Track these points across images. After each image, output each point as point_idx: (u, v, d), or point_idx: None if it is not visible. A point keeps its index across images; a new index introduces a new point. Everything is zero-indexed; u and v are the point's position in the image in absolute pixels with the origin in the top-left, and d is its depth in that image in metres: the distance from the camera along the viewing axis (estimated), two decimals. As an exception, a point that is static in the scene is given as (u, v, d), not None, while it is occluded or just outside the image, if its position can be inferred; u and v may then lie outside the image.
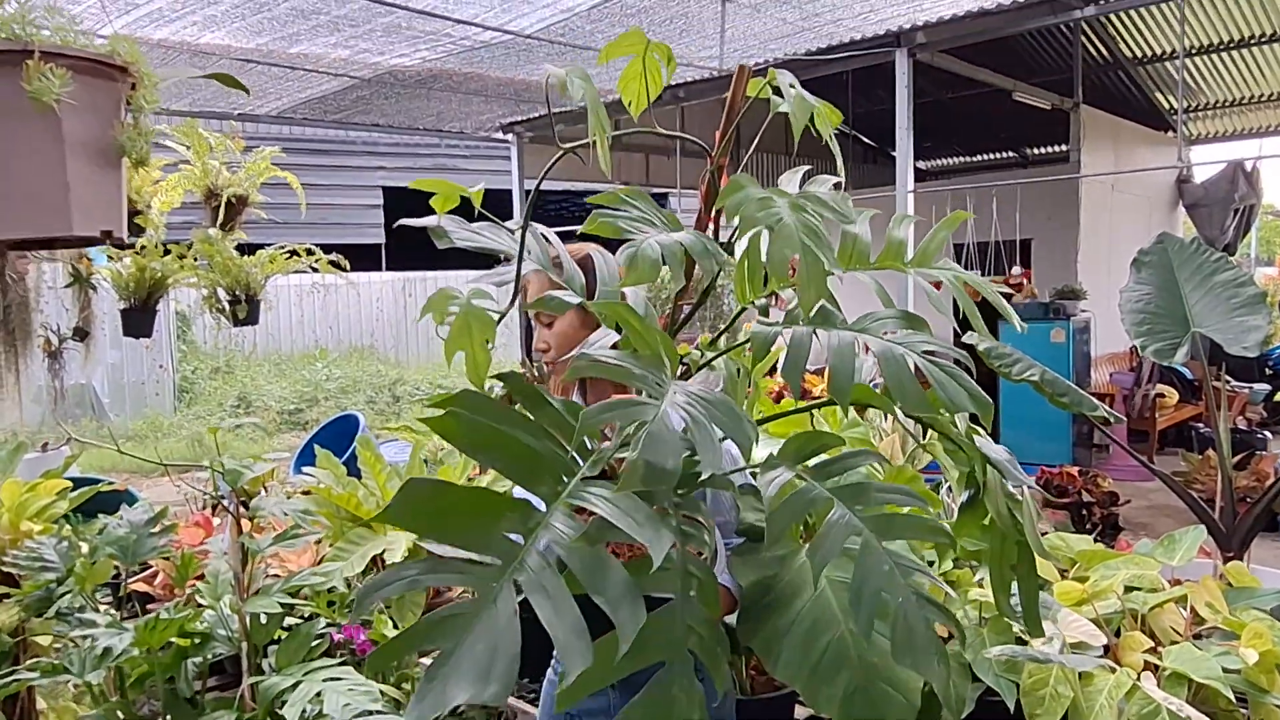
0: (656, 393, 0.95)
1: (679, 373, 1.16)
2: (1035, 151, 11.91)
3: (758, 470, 1.17)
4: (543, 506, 0.90)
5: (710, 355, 1.23)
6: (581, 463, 0.95)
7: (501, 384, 1.03)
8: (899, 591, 0.98)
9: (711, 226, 1.32)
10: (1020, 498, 1.17)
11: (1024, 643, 1.68)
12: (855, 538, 1.01)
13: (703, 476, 0.89)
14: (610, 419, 0.91)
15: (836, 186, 1.30)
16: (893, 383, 1.05)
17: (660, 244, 1.08)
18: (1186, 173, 9.93)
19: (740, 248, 1.19)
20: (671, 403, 0.92)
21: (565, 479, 0.92)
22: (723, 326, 1.42)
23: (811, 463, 1.14)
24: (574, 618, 0.79)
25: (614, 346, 1.12)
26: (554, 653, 1.66)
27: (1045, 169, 9.94)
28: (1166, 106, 10.16)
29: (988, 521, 1.20)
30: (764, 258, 1.12)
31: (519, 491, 1.65)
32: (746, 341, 1.23)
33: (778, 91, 1.24)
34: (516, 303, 1.15)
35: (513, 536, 0.85)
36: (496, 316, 1.05)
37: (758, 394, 1.51)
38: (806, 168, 1.34)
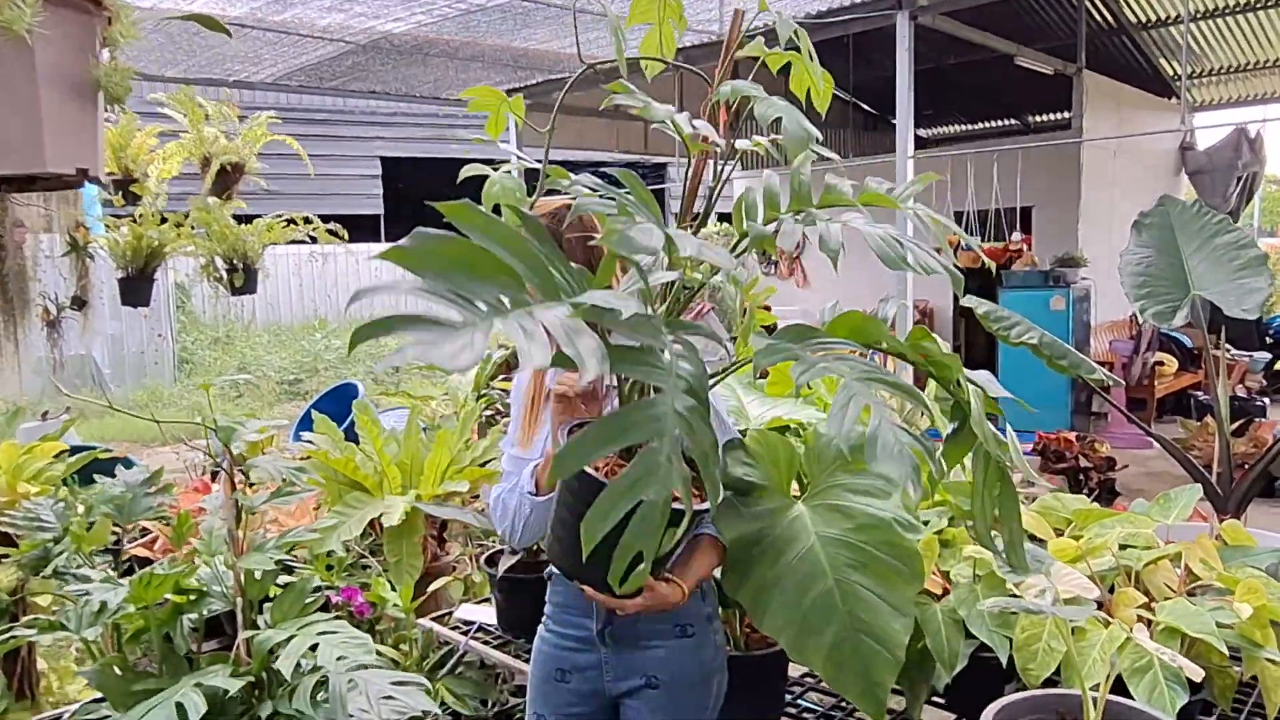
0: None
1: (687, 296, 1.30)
2: (1037, 118, 11.81)
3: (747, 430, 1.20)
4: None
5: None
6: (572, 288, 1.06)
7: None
8: (877, 412, 1.13)
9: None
10: (1004, 436, 1.22)
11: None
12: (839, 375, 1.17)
13: None
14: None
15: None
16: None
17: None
18: (1189, 139, 9.84)
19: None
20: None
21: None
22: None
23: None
24: (593, 338, 0.90)
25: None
26: (544, 610, 1.66)
27: (1047, 136, 9.85)
28: (1170, 72, 10.05)
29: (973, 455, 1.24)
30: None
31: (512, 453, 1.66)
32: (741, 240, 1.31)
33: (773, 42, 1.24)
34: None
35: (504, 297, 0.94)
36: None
37: (753, 322, 1.52)
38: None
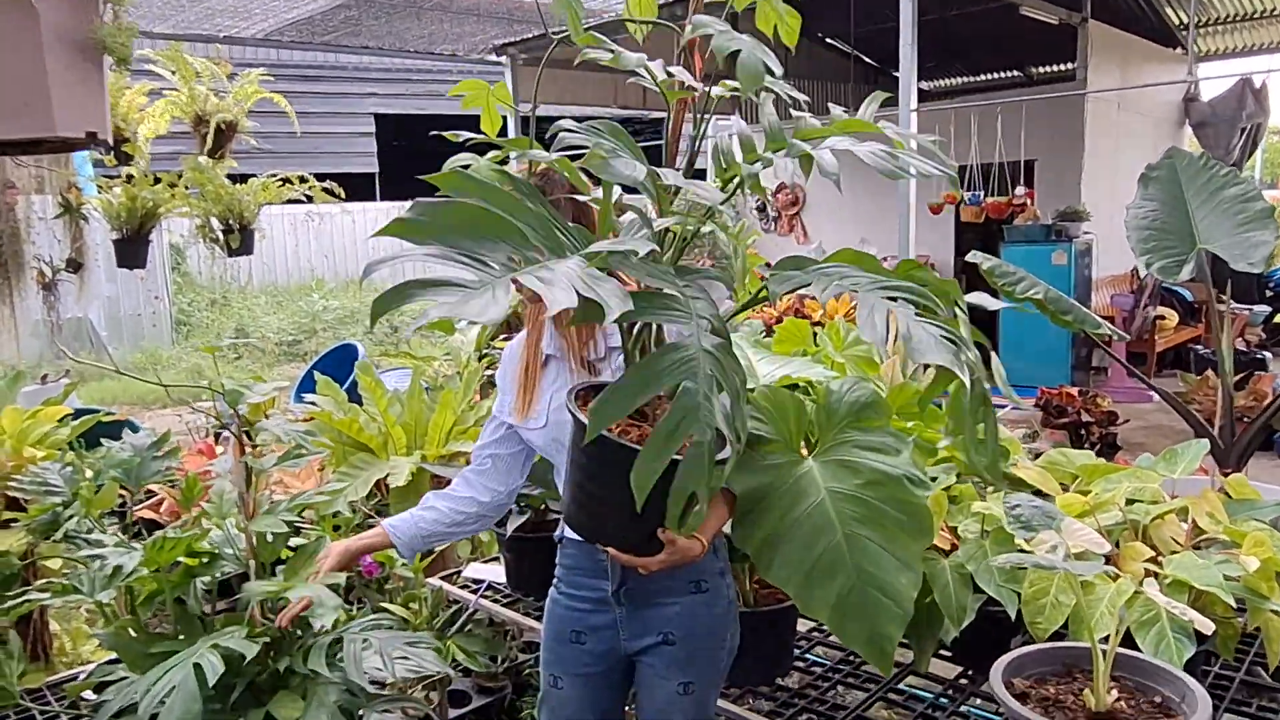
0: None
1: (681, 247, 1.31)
2: (1040, 70, 11.65)
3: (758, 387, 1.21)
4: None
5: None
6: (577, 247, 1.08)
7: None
8: (903, 314, 1.16)
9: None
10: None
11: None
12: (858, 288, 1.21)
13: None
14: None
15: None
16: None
17: None
18: (1194, 91, 9.72)
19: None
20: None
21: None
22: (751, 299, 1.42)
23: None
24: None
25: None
26: (555, 572, 1.67)
27: (1050, 88, 9.73)
28: (1176, 21, 9.89)
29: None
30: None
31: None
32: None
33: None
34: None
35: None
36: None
37: (748, 265, 1.53)
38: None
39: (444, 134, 1.44)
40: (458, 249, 0.95)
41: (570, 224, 1.15)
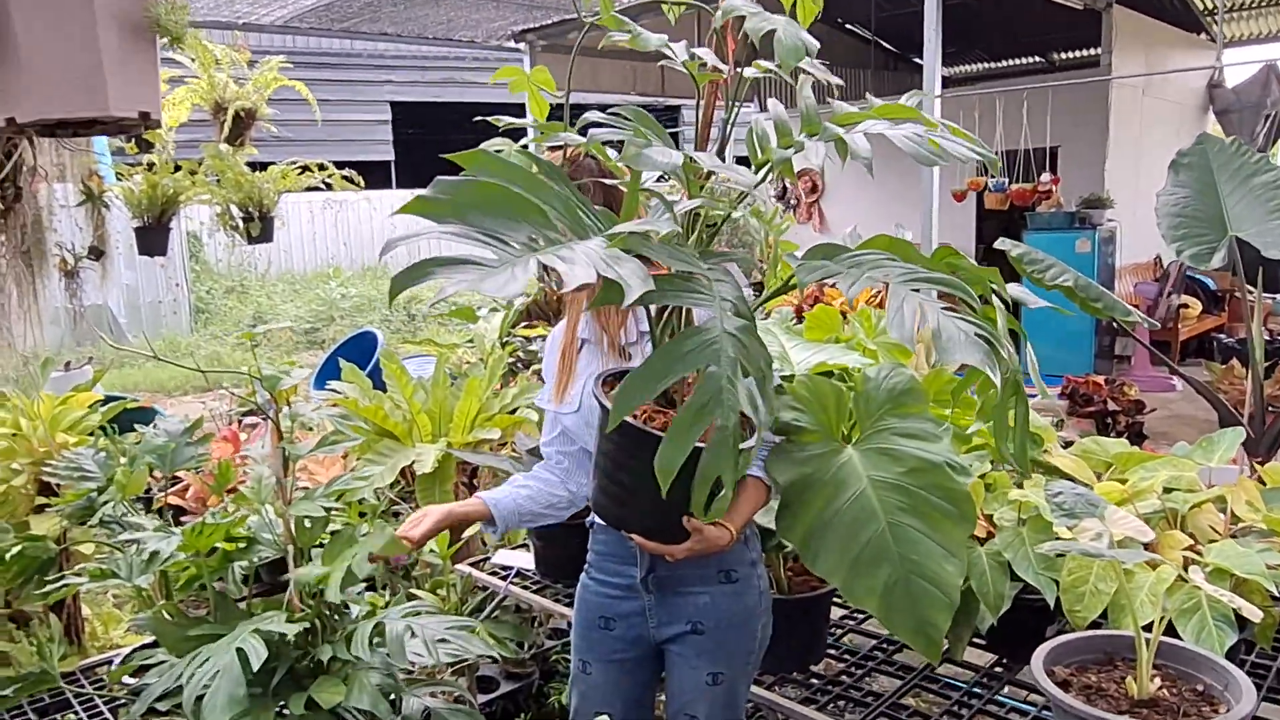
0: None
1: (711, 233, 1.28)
2: (1063, 56, 11.51)
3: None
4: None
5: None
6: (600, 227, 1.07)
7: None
8: (933, 309, 1.13)
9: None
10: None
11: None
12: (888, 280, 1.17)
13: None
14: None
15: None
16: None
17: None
18: (1218, 77, 9.59)
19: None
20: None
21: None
22: (780, 287, 1.39)
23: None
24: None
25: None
26: (587, 558, 1.67)
27: (1073, 75, 9.61)
28: (1202, 7, 9.75)
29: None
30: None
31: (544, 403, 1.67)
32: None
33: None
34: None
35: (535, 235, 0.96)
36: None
37: (777, 258, 1.51)
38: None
39: (487, 119, 1.43)
40: (478, 228, 0.94)
41: (596, 208, 1.14)
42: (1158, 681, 1.39)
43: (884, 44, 11.34)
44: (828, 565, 1.38)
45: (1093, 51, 9.34)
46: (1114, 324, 2.94)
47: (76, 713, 2.17)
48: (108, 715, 2.15)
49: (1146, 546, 1.74)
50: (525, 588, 2.42)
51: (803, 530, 1.40)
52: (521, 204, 0.99)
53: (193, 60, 4.43)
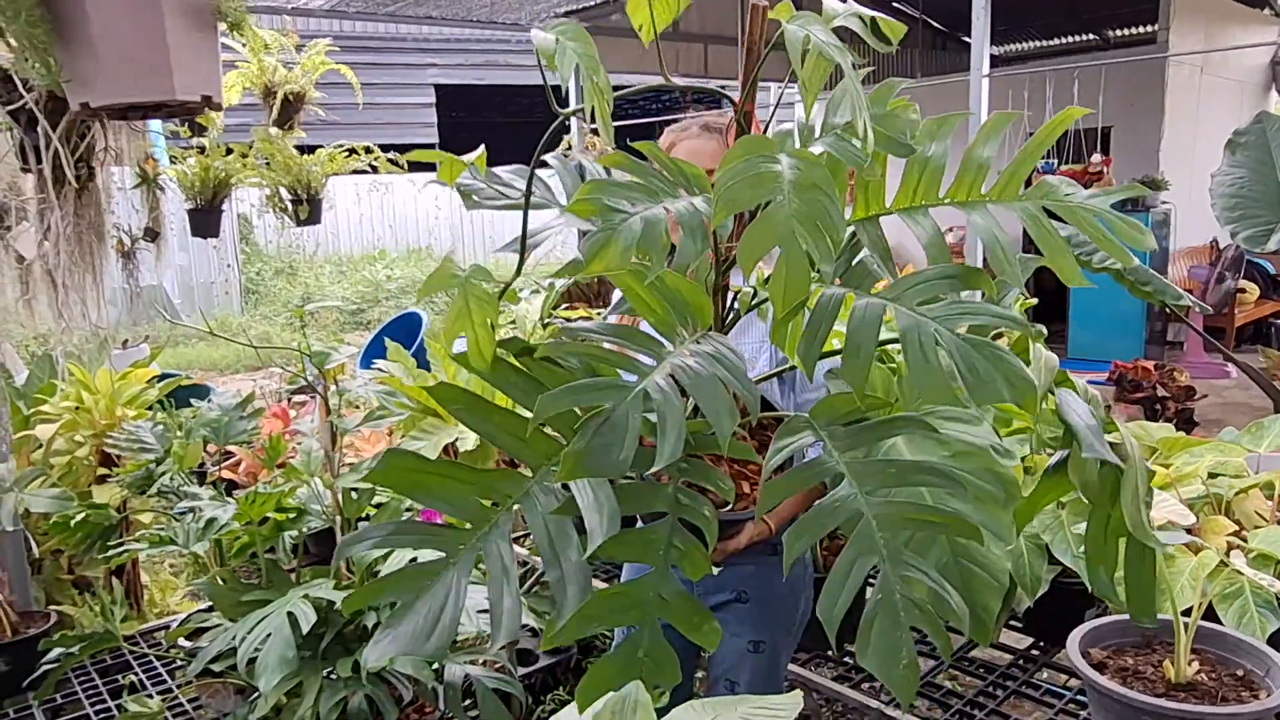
0: (643, 372, 0.89)
1: (731, 315, 1.13)
2: (1118, 33, 11.19)
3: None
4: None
5: (761, 298, 1.13)
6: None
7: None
8: (884, 588, 0.88)
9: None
10: (1120, 467, 1.02)
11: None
12: (852, 524, 0.91)
13: (655, 468, 0.81)
14: (576, 402, 0.88)
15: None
16: (914, 367, 0.90)
17: (647, 220, 0.93)
18: (1283, 53, 9.27)
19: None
20: (652, 382, 0.86)
21: (565, 443, 0.91)
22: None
23: (847, 427, 1.02)
24: (514, 593, 0.85)
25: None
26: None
27: (1129, 51, 9.35)
28: (1266, -21, 9.40)
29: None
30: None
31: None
32: None
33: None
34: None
35: (487, 503, 0.91)
36: (498, 292, 0.98)
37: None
38: (866, 67, 1.05)
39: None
40: (428, 505, 0.96)
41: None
42: (1196, 665, 1.38)
43: (932, 22, 11.12)
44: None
45: (1150, 28, 9.07)
46: (1165, 309, 2.88)
47: (136, 673, 2.27)
48: (165, 675, 2.25)
49: (1189, 531, 1.73)
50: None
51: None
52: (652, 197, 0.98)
53: (243, 45, 4.53)
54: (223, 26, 1.33)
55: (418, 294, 0.98)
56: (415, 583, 0.85)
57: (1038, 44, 12.08)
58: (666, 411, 0.84)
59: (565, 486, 0.90)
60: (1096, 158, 7.23)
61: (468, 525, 0.89)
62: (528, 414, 0.92)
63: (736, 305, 1.15)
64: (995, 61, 11.33)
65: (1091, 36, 11.60)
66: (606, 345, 0.97)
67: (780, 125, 1.26)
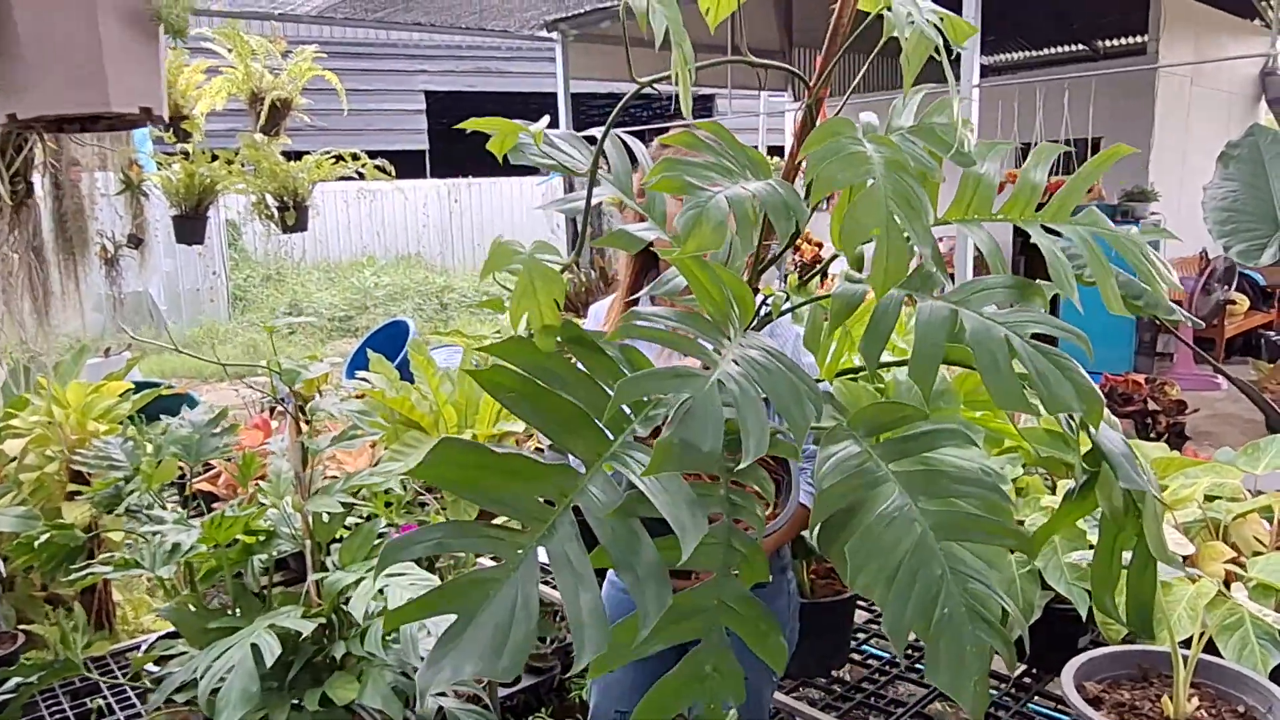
0: (711, 360, 0.85)
1: (757, 318, 1.07)
2: (1108, 44, 11.23)
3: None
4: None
5: (796, 301, 1.11)
6: (633, 418, 0.88)
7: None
8: (947, 601, 0.86)
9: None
10: (1144, 497, 0.98)
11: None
12: (910, 534, 0.89)
13: (741, 465, 0.77)
14: (651, 389, 0.83)
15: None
16: (987, 373, 0.88)
17: (731, 200, 0.91)
18: (1272, 64, 9.30)
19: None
20: (724, 372, 0.83)
21: (612, 436, 0.86)
22: (815, 269, 1.30)
23: (886, 437, 1.00)
24: (593, 596, 0.76)
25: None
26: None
27: (1119, 63, 9.37)
28: (1255, -9, 9.45)
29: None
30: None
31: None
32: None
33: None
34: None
35: (546, 502, 0.82)
36: (560, 268, 0.95)
37: (847, 342, 1.38)
38: (925, 88, 1.09)
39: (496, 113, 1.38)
40: (481, 503, 0.88)
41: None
42: (1195, 701, 1.33)
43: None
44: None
45: (1140, 39, 9.09)
46: (1155, 320, 2.84)
47: (105, 696, 2.20)
48: (134, 700, 2.18)
49: (1186, 558, 1.68)
50: (547, 583, 2.40)
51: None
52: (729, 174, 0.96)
53: (229, 50, 4.47)
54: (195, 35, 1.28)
55: (481, 273, 0.93)
56: (474, 594, 0.74)
57: (1027, 54, 12.12)
58: (744, 403, 0.79)
59: (629, 484, 0.83)
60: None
61: (526, 526, 0.80)
62: (577, 402, 0.87)
63: (766, 309, 1.11)
64: (985, 71, 11.36)
65: (1081, 47, 11.64)
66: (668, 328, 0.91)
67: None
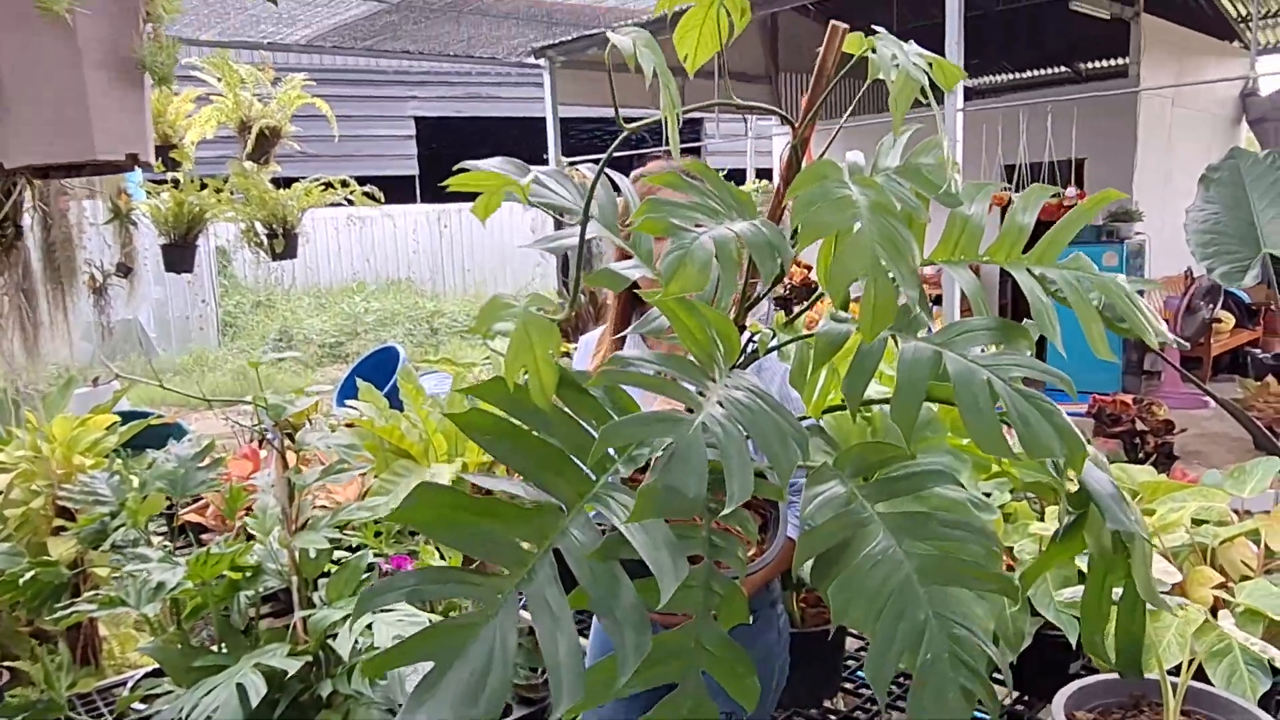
0: (696, 403, 0.85)
1: (744, 355, 1.07)
2: (1090, 66, 11.38)
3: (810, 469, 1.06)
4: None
5: (782, 339, 1.11)
6: (616, 458, 0.88)
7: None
8: (931, 646, 0.86)
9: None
10: (1133, 539, 0.98)
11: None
12: (895, 576, 0.89)
13: (724, 512, 0.78)
14: (635, 435, 0.84)
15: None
16: (968, 415, 0.88)
17: (716, 241, 0.91)
18: (1252, 85, 9.43)
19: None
20: (708, 415, 0.83)
21: (595, 477, 0.86)
22: (805, 304, 1.30)
23: (875, 476, 1.00)
24: (571, 642, 0.75)
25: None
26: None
27: (1101, 85, 9.49)
28: (1235, 14, 9.60)
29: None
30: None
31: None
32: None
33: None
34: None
35: (525, 545, 0.81)
36: (559, 319, 0.94)
37: (834, 379, 1.38)
38: (914, 128, 1.09)
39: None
40: (459, 547, 0.88)
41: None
42: (1185, 729, 1.33)
43: (908, 55, 11.25)
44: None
45: (1121, 61, 9.23)
46: (1142, 340, 2.85)
47: (89, 737, 2.17)
48: (119, 740, 2.15)
49: (1174, 586, 1.68)
50: (537, 614, 2.39)
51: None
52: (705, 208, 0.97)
53: (218, 79, 4.49)
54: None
55: (472, 330, 0.93)
56: (450, 640, 0.73)
57: (1010, 77, 12.27)
58: (729, 445, 0.80)
59: (611, 526, 0.83)
60: (1071, 191, 7.30)
61: (505, 571, 0.79)
62: (557, 444, 0.87)
63: (753, 346, 1.11)
64: (969, 94, 11.49)
65: (1064, 70, 11.79)
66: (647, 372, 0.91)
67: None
